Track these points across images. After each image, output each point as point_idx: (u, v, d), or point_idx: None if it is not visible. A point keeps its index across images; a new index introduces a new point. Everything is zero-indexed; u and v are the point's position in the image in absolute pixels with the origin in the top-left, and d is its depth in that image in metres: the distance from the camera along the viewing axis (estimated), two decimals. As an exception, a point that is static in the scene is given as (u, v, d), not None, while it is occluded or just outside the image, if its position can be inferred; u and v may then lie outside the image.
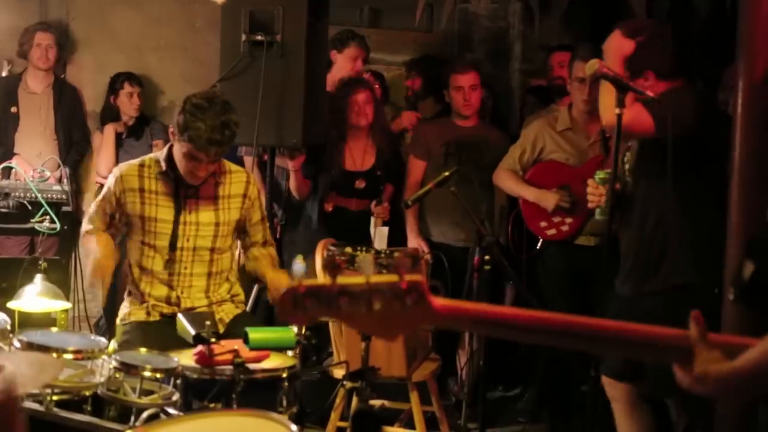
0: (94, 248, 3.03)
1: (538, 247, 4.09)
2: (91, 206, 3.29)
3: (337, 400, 3.63)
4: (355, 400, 3.48)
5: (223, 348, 2.56)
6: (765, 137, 2.69)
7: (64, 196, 4.05)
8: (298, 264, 3.53)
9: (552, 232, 3.99)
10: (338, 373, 3.55)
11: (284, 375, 2.63)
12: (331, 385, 3.73)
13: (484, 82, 4.57)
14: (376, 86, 4.65)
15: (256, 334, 2.55)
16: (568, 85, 4.01)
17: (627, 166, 3.05)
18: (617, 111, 2.68)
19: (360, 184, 4.35)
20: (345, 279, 1.27)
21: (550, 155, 4.01)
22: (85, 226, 3.23)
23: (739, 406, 2.41)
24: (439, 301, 1.30)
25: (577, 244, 3.97)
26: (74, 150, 5.04)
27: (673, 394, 2.98)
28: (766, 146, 2.70)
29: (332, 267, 1.25)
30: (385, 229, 3.90)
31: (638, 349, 1.50)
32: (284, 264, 4.20)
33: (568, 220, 3.95)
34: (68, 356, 2.46)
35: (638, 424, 3.15)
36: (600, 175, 3.08)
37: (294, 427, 1.84)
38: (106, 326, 4.59)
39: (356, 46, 4.58)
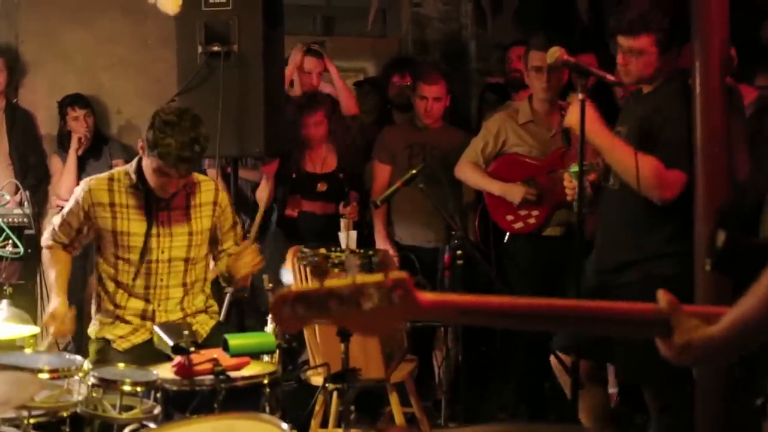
0: (53, 292, 3.04)
1: (505, 241, 4.12)
2: (54, 219, 3.24)
3: (317, 407, 3.60)
4: (335, 403, 3.47)
5: (203, 357, 2.53)
6: (724, 115, 2.75)
7: (25, 220, 3.99)
8: (287, 272, 3.52)
9: (519, 225, 4.02)
10: (317, 380, 3.53)
11: (265, 381, 2.61)
12: (308, 393, 3.70)
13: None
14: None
15: (235, 340, 2.52)
16: (525, 77, 4.04)
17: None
18: (580, 97, 2.71)
19: (321, 187, 4.36)
20: (332, 282, 1.31)
21: (512, 148, 4.03)
22: (47, 240, 3.19)
23: (720, 367, 2.46)
24: (425, 296, 1.33)
25: (544, 235, 4.00)
26: (31, 174, 4.95)
27: (646, 379, 3.02)
28: (726, 124, 2.76)
29: (319, 271, 1.28)
30: (354, 233, 3.89)
31: (618, 326, 1.55)
32: (253, 276, 4.19)
33: (535, 212, 3.98)
34: (44, 376, 2.41)
35: (592, 401, 3.18)
36: (574, 168, 3.06)
37: (285, 425, 1.83)
38: (75, 350, 4.50)
39: (310, 60, 4.66)
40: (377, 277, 1.30)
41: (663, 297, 1.49)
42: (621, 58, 2.90)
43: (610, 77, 2.77)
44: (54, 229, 3.18)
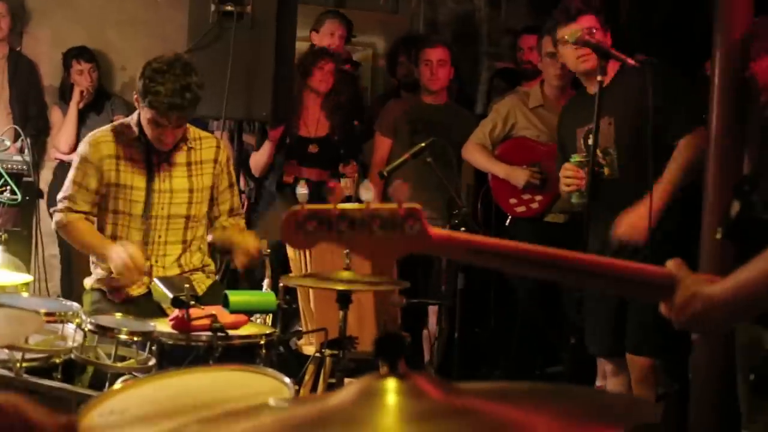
0: (110, 246, 2.94)
1: (506, 224, 4.11)
2: (64, 189, 3.08)
3: (306, 377, 3.58)
4: (327, 371, 3.44)
5: (201, 312, 2.50)
6: (741, 105, 2.74)
7: (24, 167, 3.93)
8: (302, 188, 3.48)
9: (521, 209, 4.01)
10: (308, 349, 3.50)
11: (262, 342, 2.58)
12: (297, 362, 3.68)
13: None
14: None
15: (236, 296, 2.49)
16: (539, 63, 4.02)
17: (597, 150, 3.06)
18: (599, 78, 2.69)
19: (313, 149, 4.32)
20: (346, 204, 1.30)
21: (521, 132, 4.02)
22: (64, 216, 3.05)
23: (720, 332, 2.46)
24: (436, 230, 1.33)
25: (546, 221, 3.99)
26: (30, 124, 4.88)
27: (655, 352, 3.03)
28: (742, 114, 2.74)
29: (334, 193, 1.26)
30: (368, 183, 3.86)
31: (625, 284, 1.54)
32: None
33: (538, 197, 3.97)
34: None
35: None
36: (576, 158, 3.07)
37: (287, 379, 1.80)
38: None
39: (333, 22, 4.57)
40: (391, 205, 1.30)
41: (674, 263, 1.49)
42: (577, 51, 2.93)
43: (630, 61, 2.74)
44: (69, 201, 3.03)
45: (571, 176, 3.10)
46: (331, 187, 1.29)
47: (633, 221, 2.94)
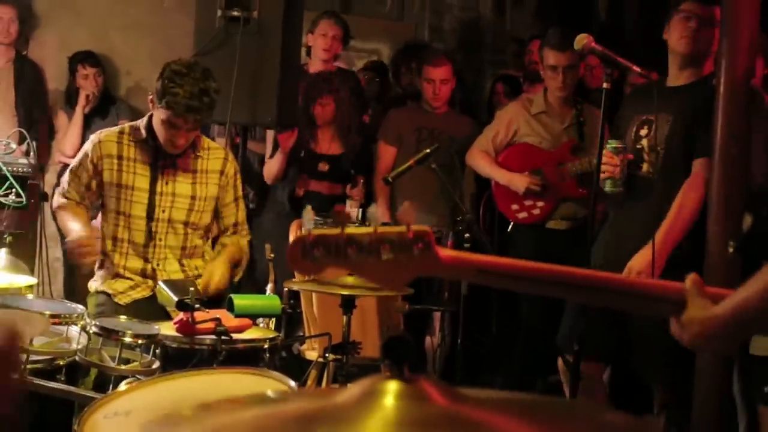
0: (74, 227, 2.97)
1: (508, 230, 4.11)
2: (64, 177, 3.21)
3: (309, 382, 3.58)
4: (329, 370, 3.45)
5: (206, 316, 2.50)
6: (747, 118, 2.74)
7: (30, 170, 3.93)
8: (308, 213, 3.49)
9: (523, 215, 4.01)
10: (311, 354, 3.50)
11: (266, 346, 2.58)
12: (300, 368, 3.67)
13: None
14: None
15: (241, 300, 2.49)
16: (541, 72, 4.03)
17: (645, 142, 3.04)
18: (605, 86, 2.70)
19: (323, 167, 4.32)
20: (353, 229, 1.29)
21: (523, 138, 4.02)
22: (59, 199, 3.16)
23: (723, 352, 2.47)
24: (445, 251, 1.31)
25: (548, 227, 4.00)
26: (35, 128, 4.89)
27: (658, 378, 3.03)
28: (747, 127, 2.75)
29: (341, 218, 1.25)
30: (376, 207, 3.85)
31: (636, 300, 1.53)
32: (253, 248, 4.16)
33: (540, 203, 3.98)
34: (46, 321, 2.38)
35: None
36: (612, 144, 3.03)
37: (292, 382, 1.81)
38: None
39: (327, 22, 4.54)
40: (399, 228, 1.28)
41: (691, 280, 1.48)
42: (693, 24, 2.94)
43: (636, 68, 2.75)
44: (63, 186, 3.14)
45: (607, 162, 3.05)
46: (337, 211, 1.29)
47: (640, 266, 2.92)
